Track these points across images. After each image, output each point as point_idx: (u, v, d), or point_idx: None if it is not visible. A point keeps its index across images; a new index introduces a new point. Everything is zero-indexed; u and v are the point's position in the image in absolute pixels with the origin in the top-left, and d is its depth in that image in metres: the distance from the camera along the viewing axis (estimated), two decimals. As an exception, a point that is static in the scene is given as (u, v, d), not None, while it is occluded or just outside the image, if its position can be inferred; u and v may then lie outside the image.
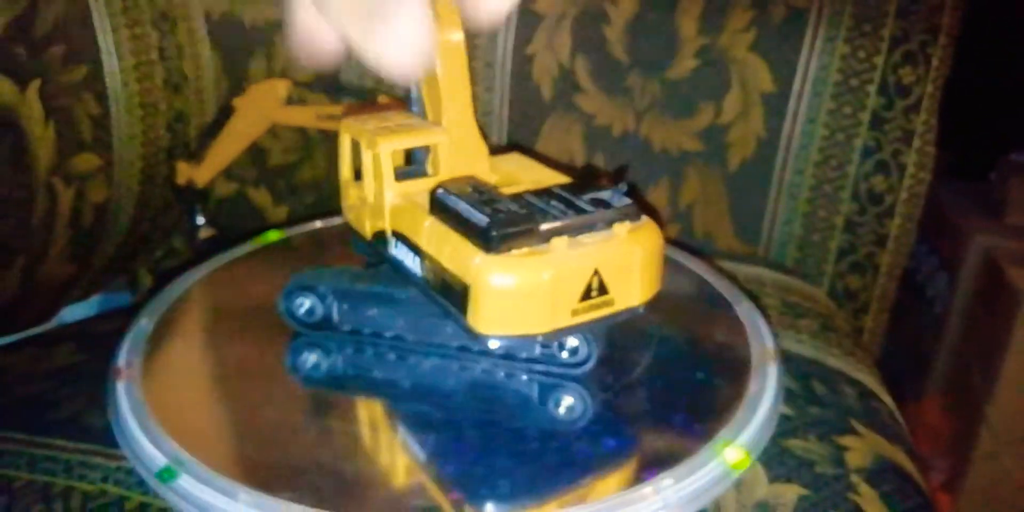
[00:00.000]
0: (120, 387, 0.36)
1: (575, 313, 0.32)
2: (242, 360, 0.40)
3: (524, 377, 0.38)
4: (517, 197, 0.33)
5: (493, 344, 0.32)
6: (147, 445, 0.32)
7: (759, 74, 0.64)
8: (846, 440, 0.47)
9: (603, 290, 0.32)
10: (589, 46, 0.66)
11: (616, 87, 0.67)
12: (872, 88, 0.64)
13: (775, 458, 0.44)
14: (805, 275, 0.69)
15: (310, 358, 0.39)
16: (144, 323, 0.41)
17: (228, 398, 0.38)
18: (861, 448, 0.47)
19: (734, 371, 0.39)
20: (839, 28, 0.64)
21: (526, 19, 0.66)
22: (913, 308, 1.19)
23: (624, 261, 0.32)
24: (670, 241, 0.52)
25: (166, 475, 0.31)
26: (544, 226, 0.31)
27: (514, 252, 0.31)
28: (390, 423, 0.36)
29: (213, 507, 0.30)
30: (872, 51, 0.64)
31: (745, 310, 0.44)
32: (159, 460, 0.32)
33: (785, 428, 0.46)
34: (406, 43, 0.27)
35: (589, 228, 0.32)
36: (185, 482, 0.31)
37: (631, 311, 0.33)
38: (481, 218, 0.31)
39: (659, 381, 0.39)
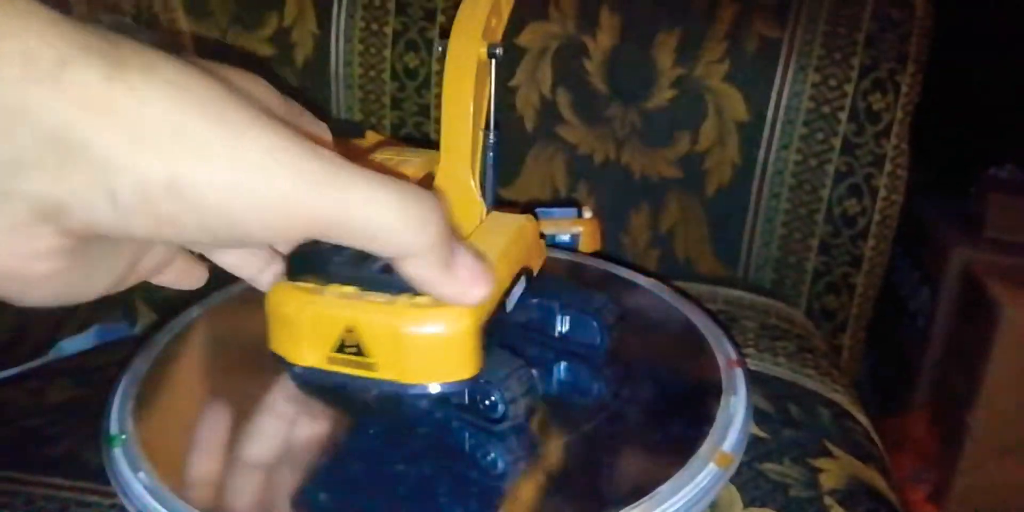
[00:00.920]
0: (118, 455, 0.37)
1: (331, 361, 0.32)
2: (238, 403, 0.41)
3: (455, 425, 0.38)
4: None
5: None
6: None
7: (734, 103, 0.66)
8: (820, 462, 0.48)
9: (359, 350, 0.31)
10: (570, 78, 0.68)
11: (597, 117, 0.69)
12: (843, 115, 0.66)
13: (750, 482, 0.45)
14: (783, 296, 0.71)
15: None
16: (135, 371, 0.43)
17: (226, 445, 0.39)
18: (835, 470, 0.48)
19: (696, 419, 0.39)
20: (810, 57, 0.66)
21: (509, 53, 0.68)
22: (896, 322, 1.21)
23: (382, 330, 0.31)
24: (651, 273, 0.54)
25: None
26: (334, 268, 0.32)
27: (298, 283, 0.32)
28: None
29: None
30: (842, 79, 0.66)
31: (697, 316, 0.46)
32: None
33: (760, 451, 0.47)
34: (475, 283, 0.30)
35: (391, 288, 0.31)
36: None
37: (411, 387, 0.32)
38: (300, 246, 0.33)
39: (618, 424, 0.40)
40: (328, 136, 0.33)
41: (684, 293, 0.50)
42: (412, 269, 0.28)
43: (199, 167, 0.23)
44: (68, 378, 0.52)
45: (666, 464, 0.35)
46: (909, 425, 1.10)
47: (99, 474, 0.40)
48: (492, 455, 0.36)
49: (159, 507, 0.32)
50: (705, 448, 0.36)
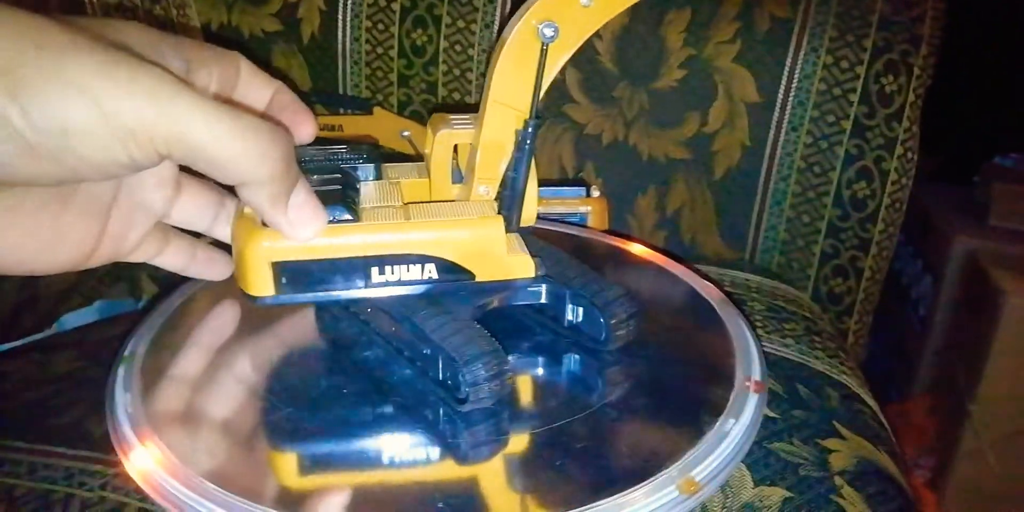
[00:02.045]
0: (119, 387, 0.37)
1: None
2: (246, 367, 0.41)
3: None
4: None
5: None
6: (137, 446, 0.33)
7: (744, 84, 0.66)
8: (830, 443, 0.48)
9: None
10: (579, 58, 0.68)
11: (605, 98, 0.68)
12: (855, 97, 0.66)
13: (760, 461, 0.45)
14: (790, 279, 0.70)
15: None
16: (139, 335, 0.42)
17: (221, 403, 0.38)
18: (844, 450, 0.48)
19: (711, 400, 0.39)
20: (822, 38, 0.65)
21: (517, 30, 0.68)
22: (898, 310, 1.21)
23: None
24: (660, 249, 0.53)
25: None
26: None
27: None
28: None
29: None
30: (854, 61, 0.65)
31: (735, 326, 0.44)
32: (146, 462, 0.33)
33: (770, 431, 0.47)
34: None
35: None
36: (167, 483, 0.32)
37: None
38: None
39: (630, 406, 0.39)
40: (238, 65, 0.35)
41: (727, 296, 0.48)
42: (249, 196, 0.31)
43: (29, 93, 0.25)
44: (72, 350, 0.52)
45: (622, 481, 0.32)
46: (909, 412, 1.10)
47: (103, 444, 0.40)
48: (454, 436, 0.36)
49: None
50: (671, 472, 0.33)
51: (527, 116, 0.38)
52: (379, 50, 0.70)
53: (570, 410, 0.37)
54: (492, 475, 0.34)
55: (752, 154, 0.67)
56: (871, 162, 0.67)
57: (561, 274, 0.40)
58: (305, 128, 0.36)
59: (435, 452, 0.35)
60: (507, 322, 0.41)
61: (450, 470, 0.34)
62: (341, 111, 0.69)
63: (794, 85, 0.66)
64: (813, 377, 0.54)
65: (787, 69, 0.66)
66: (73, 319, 0.68)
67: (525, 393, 0.40)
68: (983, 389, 1.00)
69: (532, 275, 0.37)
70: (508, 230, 0.37)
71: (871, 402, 0.57)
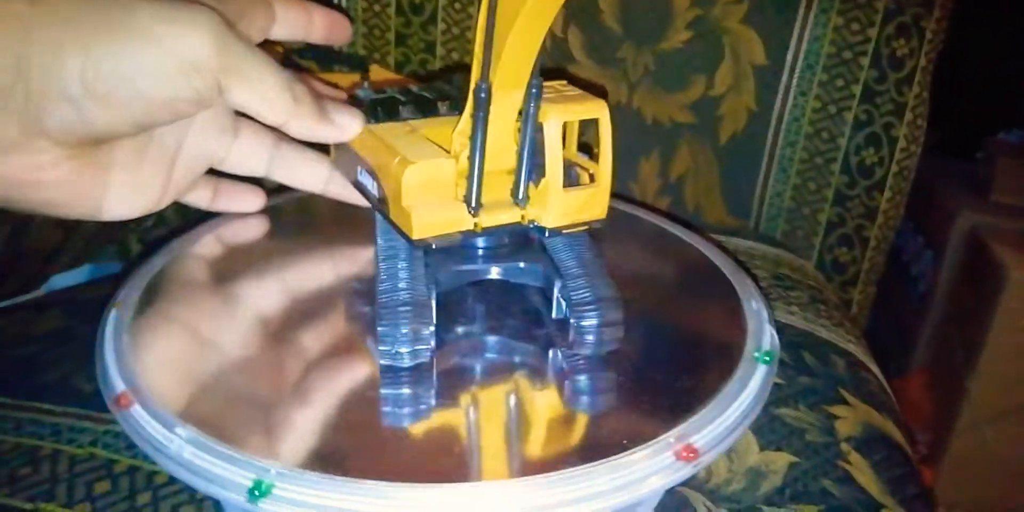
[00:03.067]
0: (110, 316, 0.36)
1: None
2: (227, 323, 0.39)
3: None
4: None
5: None
6: (112, 372, 0.32)
7: (751, 46, 0.64)
8: (836, 409, 0.47)
9: None
10: (582, 17, 0.66)
11: (609, 59, 0.66)
12: (865, 60, 0.64)
13: (766, 426, 0.44)
14: (794, 248, 0.69)
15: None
16: (148, 270, 0.41)
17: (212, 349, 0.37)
18: (851, 417, 0.47)
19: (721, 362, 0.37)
20: (832, 0, 0.64)
21: (519, -12, 0.65)
22: (898, 286, 1.20)
23: None
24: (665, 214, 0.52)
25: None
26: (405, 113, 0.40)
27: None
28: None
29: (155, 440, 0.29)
30: (866, 23, 0.64)
31: (746, 294, 0.43)
32: (118, 386, 0.32)
33: (776, 396, 0.46)
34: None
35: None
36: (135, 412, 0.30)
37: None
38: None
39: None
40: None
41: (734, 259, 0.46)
42: (291, 122, 0.35)
43: (100, 44, 0.30)
44: (60, 309, 0.50)
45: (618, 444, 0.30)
46: (906, 388, 1.10)
47: (91, 400, 0.39)
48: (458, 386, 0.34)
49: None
50: (668, 438, 0.31)
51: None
52: (376, 7, 0.68)
53: (571, 371, 0.36)
54: (491, 430, 0.32)
55: (758, 119, 0.66)
56: (880, 128, 0.66)
57: (564, 262, 0.38)
58: (341, 32, 0.46)
59: (431, 399, 0.33)
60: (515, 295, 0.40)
61: (450, 420, 0.33)
62: (336, 68, 0.67)
63: (803, 48, 0.64)
64: (819, 344, 0.53)
65: (796, 31, 0.64)
66: (61, 281, 0.67)
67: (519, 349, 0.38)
68: (982, 365, 0.99)
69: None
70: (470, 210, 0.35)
71: (876, 371, 0.56)
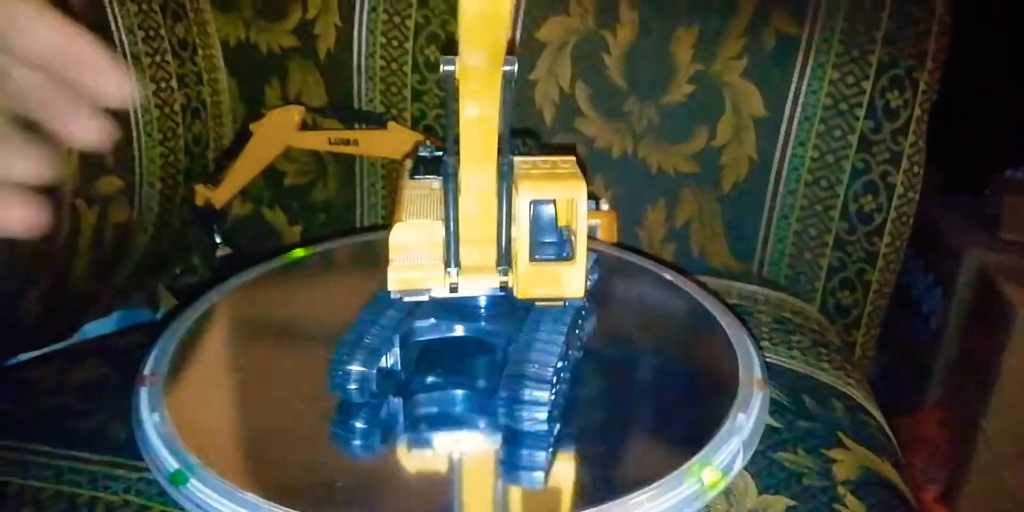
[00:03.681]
0: (143, 394, 0.38)
1: None
2: (265, 373, 0.42)
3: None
4: None
5: None
6: (162, 450, 0.35)
7: (751, 99, 0.67)
8: (834, 453, 0.49)
9: None
10: (589, 73, 0.69)
11: (615, 112, 0.69)
12: (861, 112, 0.67)
13: (764, 469, 0.46)
14: (797, 292, 0.71)
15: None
16: (170, 335, 0.44)
17: (247, 409, 0.40)
18: (848, 461, 0.49)
19: (719, 397, 0.41)
20: (828, 54, 0.66)
21: (529, 46, 0.69)
22: (909, 323, 1.21)
23: None
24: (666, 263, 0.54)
25: (177, 479, 0.34)
26: None
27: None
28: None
29: None
30: (860, 76, 0.66)
31: (735, 332, 0.46)
32: (172, 464, 0.34)
33: (775, 440, 0.48)
34: None
35: None
36: (194, 486, 0.33)
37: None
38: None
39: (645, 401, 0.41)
40: None
41: (721, 301, 0.49)
42: None
43: None
44: (94, 358, 0.53)
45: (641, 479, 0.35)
46: (920, 425, 1.10)
47: (126, 448, 0.41)
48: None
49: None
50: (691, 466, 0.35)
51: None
52: (393, 66, 0.71)
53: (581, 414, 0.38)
54: (517, 474, 0.35)
55: (759, 168, 0.68)
56: (877, 176, 0.68)
57: (525, 332, 0.39)
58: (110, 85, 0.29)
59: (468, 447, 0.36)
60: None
61: (479, 467, 0.35)
62: (356, 126, 0.70)
63: (800, 100, 0.67)
64: (818, 388, 0.55)
65: (794, 84, 0.67)
66: (93, 328, 0.70)
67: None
68: (995, 403, 0.99)
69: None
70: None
71: (876, 414, 0.57)
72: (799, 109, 0.67)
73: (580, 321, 0.43)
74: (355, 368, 0.37)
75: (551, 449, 0.37)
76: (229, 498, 0.32)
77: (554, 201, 0.37)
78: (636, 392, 0.43)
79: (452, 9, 0.69)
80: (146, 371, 0.40)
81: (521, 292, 0.38)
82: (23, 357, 0.60)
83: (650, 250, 0.73)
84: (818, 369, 0.57)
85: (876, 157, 0.68)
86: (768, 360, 0.54)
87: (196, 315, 0.46)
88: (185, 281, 0.79)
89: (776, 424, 0.48)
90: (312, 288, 0.50)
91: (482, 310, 0.41)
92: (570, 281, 0.38)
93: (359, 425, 0.37)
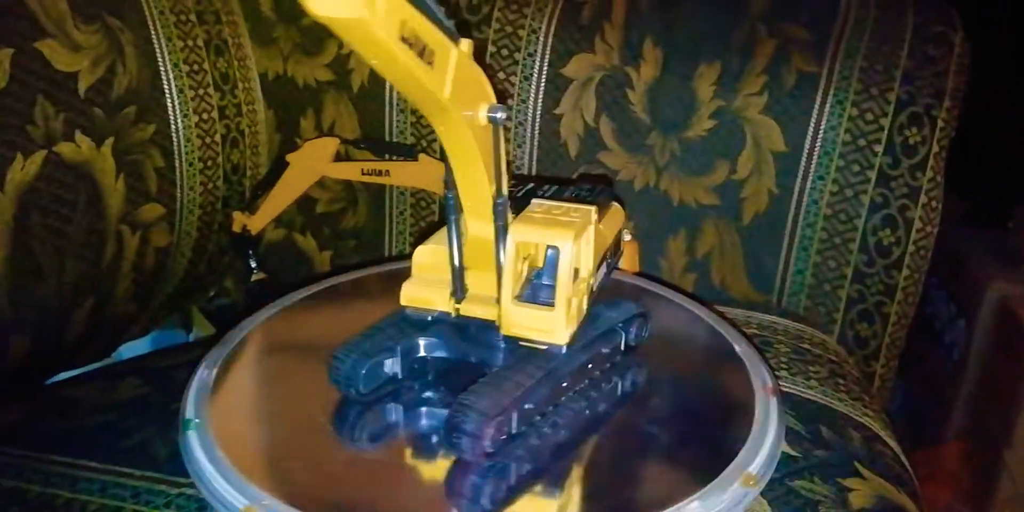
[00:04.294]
0: (193, 438, 0.40)
1: None
2: (304, 400, 0.45)
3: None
4: None
5: None
6: (229, 490, 0.36)
7: (771, 134, 0.69)
8: (850, 482, 0.50)
9: None
10: (613, 107, 0.71)
11: (638, 145, 0.71)
12: (879, 148, 0.68)
13: (781, 497, 0.47)
14: (816, 323, 0.72)
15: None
16: (206, 371, 0.46)
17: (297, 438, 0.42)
18: (865, 490, 0.50)
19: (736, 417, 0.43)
20: (847, 91, 0.68)
21: (555, 82, 0.72)
22: (931, 354, 1.20)
23: None
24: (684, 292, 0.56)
25: None
26: None
27: None
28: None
29: None
30: (879, 113, 0.68)
31: (747, 355, 0.48)
32: (240, 503, 0.36)
33: (792, 469, 0.49)
34: None
35: None
36: None
37: None
38: None
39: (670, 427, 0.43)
40: None
41: (724, 317, 0.52)
42: None
43: None
44: (134, 377, 0.56)
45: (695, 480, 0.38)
46: (943, 457, 1.09)
47: (168, 464, 0.44)
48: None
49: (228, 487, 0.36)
50: (732, 468, 0.39)
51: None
52: (425, 99, 0.74)
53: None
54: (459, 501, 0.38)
55: (779, 201, 0.70)
56: (896, 210, 0.69)
57: (494, 365, 0.42)
58: None
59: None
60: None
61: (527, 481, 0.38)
62: (388, 157, 0.73)
63: (820, 135, 0.68)
64: (836, 418, 0.56)
65: (813, 120, 0.68)
66: (129, 349, 0.73)
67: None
68: (1018, 436, 0.99)
69: None
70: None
71: (893, 444, 0.58)
72: (818, 144, 0.69)
73: (594, 368, 0.44)
74: (345, 366, 0.40)
75: (501, 482, 0.38)
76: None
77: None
78: (649, 422, 0.45)
79: (481, 46, 0.72)
80: (188, 413, 0.42)
81: (504, 329, 0.40)
82: (64, 375, 0.63)
83: (671, 280, 0.74)
84: (836, 399, 0.58)
85: (894, 192, 0.69)
86: (786, 390, 0.55)
87: (231, 345, 0.48)
88: (217, 303, 0.81)
89: (793, 453, 0.49)
90: (341, 314, 0.53)
91: (489, 338, 0.42)
92: (552, 327, 0.39)
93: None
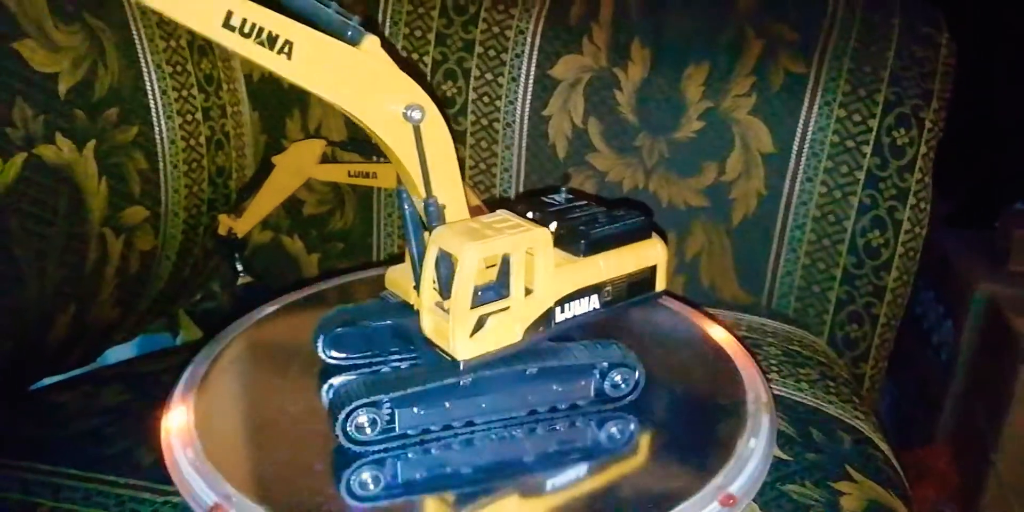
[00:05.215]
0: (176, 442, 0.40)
1: None
2: (286, 405, 0.44)
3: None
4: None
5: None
6: (200, 484, 0.36)
7: (760, 135, 0.69)
8: (841, 485, 0.49)
9: None
10: (601, 109, 0.71)
11: (626, 147, 0.71)
12: (867, 149, 0.68)
13: (772, 501, 0.46)
14: (806, 325, 0.72)
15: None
16: (192, 372, 0.45)
17: (275, 441, 0.42)
18: (856, 493, 0.49)
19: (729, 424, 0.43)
20: (835, 93, 0.68)
21: (543, 83, 0.71)
22: (919, 355, 1.21)
23: None
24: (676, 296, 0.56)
25: None
26: None
27: None
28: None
29: None
30: (867, 114, 0.68)
31: (742, 363, 0.48)
32: (209, 498, 0.36)
33: (783, 473, 0.48)
34: None
35: None
36: None
37: None
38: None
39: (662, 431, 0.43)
40: None
41: (730, 332, 0.51)
42: None
43: None
44: (118, 383, 0.55)
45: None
46: (932, 457, 1.09)
47: (153, 472, 0.43)
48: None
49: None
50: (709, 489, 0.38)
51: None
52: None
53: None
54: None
55: (768, 202, 0.70)
56: (884, 212, 0.69)
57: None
58: None
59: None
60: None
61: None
62: (375, 159, 0.72)
63: (808, 137, 0.68)
64: (827, 421, 0.56)
65: (801, 122, 0.68)
66: (115, 353, 0.72)
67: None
68: (1005, 438, 0.99)
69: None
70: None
71: (884, 447, 0.58)
72: (807, 145, 0.69)
73: (543, 404, 0.43)
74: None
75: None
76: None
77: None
78: (642, 421, 0.44)
79: (467, 47, 0.72)
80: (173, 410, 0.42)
81: (425, 330, 0.40)
82: (47, 381, 0.62)
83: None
84: (826, 402, 0.58)
85: (883, 193, 0.69)
86: (776, 393, 0.55)
87: (216, 349, 0.48)
88: (204, 307, 0.80)
89: (784, 456, 0.49)
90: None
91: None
92: (452, 338, 0.38)
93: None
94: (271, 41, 0.32)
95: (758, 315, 0.69)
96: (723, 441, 0.42)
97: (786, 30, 0.69)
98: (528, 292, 0.39)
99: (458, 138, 0.74)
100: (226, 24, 0.32)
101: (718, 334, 0.50)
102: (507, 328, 0.39)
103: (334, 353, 0.45)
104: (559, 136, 0.72)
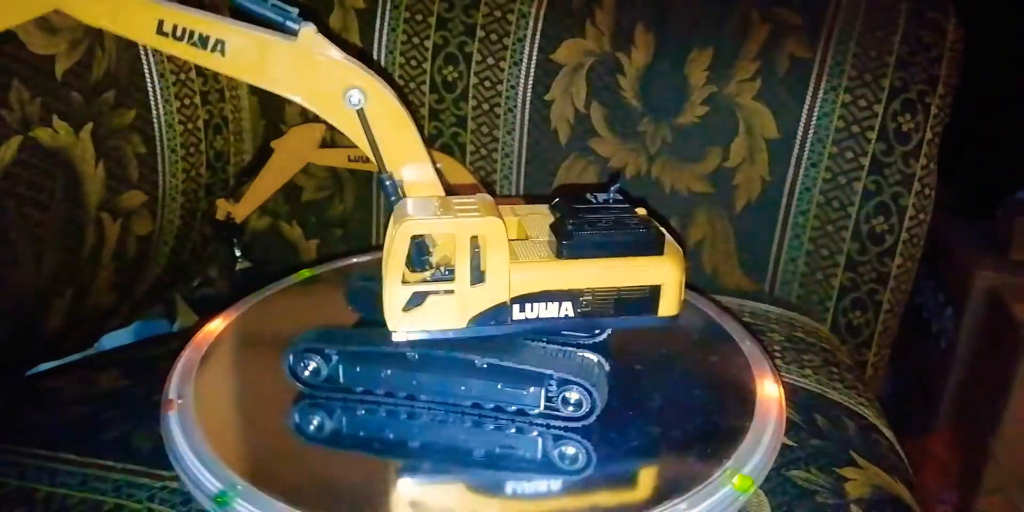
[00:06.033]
0: (172, 418, 0.40)
1: None
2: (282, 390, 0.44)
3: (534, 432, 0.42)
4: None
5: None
6: (203, 471, 0.36)
7: (764, 121, 0.68)
8: (846, 471, 0.49)
9: None
10: (604, 93, 0.70)
11: (629, 132, 0.70)
12: (872, 134, 0.68)
13: (778, 487, 0.46)
14: (809, 311, 0.72)
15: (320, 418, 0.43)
16: (189, 356, 0.45)
17: (276, 426, 0.41)
18: (861, 479, 0.49)
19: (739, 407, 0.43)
20: (841, 78, 0.67)
21: (545, 67, 0.70)
22: (920, 343, 1.21)
23: None
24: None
25: (220, 500, 0.35)
26: None
27: None
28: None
29: None
30: (872, 100, 0.67)
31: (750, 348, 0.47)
32: (214, 485, 0.35)
33: (788, 459, 0.48)
34: None
35: None
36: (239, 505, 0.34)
37: None
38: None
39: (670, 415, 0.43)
40: None
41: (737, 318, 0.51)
42: None
43: None
44: (115, 369, 0.54)
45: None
46: (931, 445, 1.09)
47: (149, 457, 0.42)
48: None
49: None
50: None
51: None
52: (411, 85, 0.73)
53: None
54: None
55: (772, 188, 0.69)
56: (889, 198, 0.69)
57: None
58: None
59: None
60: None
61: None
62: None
63: (813, 122, 0.68)
64: (831, 407, 0.55)
65: (806, 107, 0.68)
66: (111, 339, 0.71)
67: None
68: (1005, 425, 0.99)
69: None
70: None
71: (888, 433, 0.58)
72: (811, 131, 0.68)
73: (487, 401, 0.42)
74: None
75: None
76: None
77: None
78: (652, 407, 0.44)
79: (468, 31, 0.71)
80: (171, 394, 0.42)
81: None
82: (44, 366, 0.61)
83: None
84: (830, 388, 0.58)
85: (888, 179, 0.68)
86: (781, 379, 0.55)
87: (212, 334, 0.47)
88: (202, 293, 0.80)
89: (789, 442, 0.49)
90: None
91: None
92: (386, 309, 0.39)
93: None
94: (203, 41, 0.36)
95: (761, 302, 0.69)
96: (734, 425, 0.42)
97: (791, 14, 0.68)
98: (481, 281, 0.38)
99: (459, 123, 0.73)
100: (160, 31, 0.36)
101: (724, 319, 0.50)
102: (449, 312, 0.39)
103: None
104: (561, 121, 0.71)
